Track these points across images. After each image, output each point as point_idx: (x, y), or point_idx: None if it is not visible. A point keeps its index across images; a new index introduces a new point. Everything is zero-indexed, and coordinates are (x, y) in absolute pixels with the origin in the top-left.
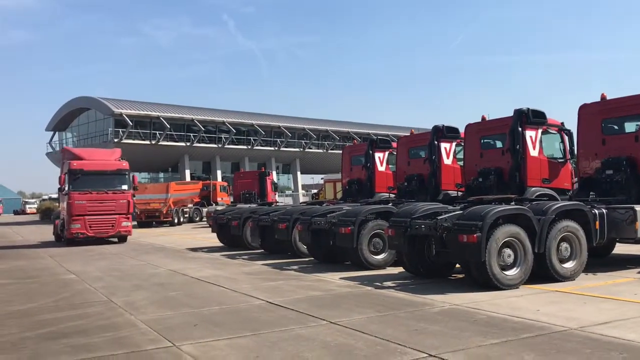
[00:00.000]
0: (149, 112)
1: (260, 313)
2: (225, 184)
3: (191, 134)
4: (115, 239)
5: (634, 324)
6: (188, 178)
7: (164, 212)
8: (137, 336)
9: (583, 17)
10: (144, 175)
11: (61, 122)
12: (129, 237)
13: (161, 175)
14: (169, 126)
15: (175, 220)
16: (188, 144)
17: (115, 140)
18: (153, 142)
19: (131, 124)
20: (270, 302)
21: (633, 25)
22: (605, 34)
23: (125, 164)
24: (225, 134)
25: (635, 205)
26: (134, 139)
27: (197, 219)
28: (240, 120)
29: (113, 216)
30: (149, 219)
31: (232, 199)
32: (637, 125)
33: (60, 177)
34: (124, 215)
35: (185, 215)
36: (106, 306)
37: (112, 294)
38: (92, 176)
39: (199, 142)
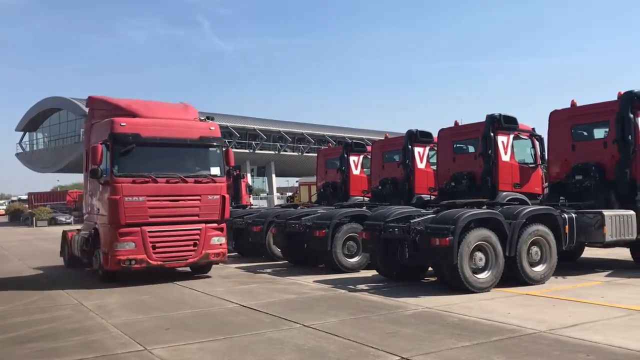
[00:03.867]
0: None
1: (233, 316)
2: None
3: None
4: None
5: (600, 326)
6: None
7: None
8: (108, 340)
9: (553, 23)
10: None
11: (32, 123)
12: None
13: None
14: None
15: None
16: None
17: None
18: None
19: None
20: (243, 306)
21: (602, 29)
22: (575, 39)
23: (214, 128)
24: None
25: (603, 210)
26: None
27: None
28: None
29: (196, 226)
30: None
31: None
32: (605, 131)
33: (91, 150)
34: (216, 224)
35: None
36: (76, 309)
37: (83, 298)
38: (156, 149)
39: None
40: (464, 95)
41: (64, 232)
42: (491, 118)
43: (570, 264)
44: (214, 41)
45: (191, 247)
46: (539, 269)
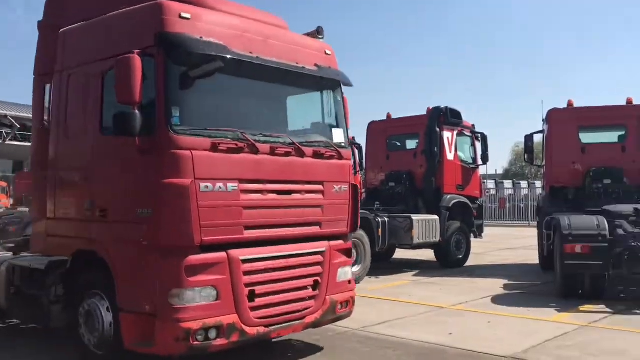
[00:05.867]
0: None
1: None
2: (5, 184)
3: None
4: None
5: (407, 322)
6: None
7: None
8: None
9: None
10: None
11: None
12: None
13: None
14: None
15: None
16: None
17: None
18: None
19: None
20: None
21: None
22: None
23: (330, 53)
24: (6, 129)
25: (412, 215)
26: None
27: None
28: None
29: (317, 246)
30: None
31: (12, 202)
32: (416, 143)
33: (117, 67)
34: (341, 242)
35: None
36: None
37: None
38: (246, 83)
39: None
40: None
41: None
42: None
43: (383, 264)
44: (27, 28)
45: (310, 292)
46: (355, 269)
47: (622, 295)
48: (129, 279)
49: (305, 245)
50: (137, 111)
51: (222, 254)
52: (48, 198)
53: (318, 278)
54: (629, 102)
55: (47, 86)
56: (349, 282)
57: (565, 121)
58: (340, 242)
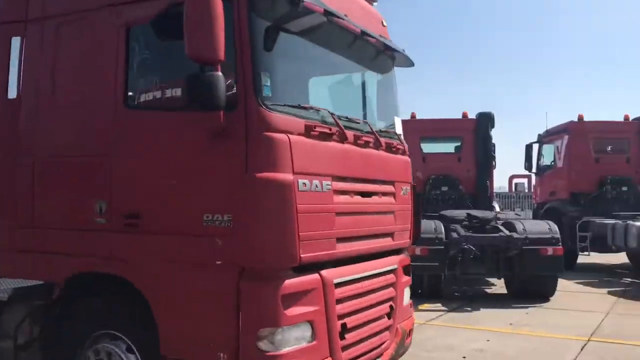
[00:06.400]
0: None
1: None
2: None
3: None
4: None
5: None
6: None
7: None
8: None
9: None
10: None
11: None
12: None
13: None
14: None
15: None
16: None
17: None
18: None
19: None
20: None
21: None
22: None
23: (386, 25)
24: None
25: None
26: None
27: None
28: None
29: (390, 262)
30: None
31: None
32: None
33: (190, 5)
34: (403, 256)
35: None
36: None
37: None
38: (324, 50)
39: None
40: None
41: None
42: None
43: None
44: None
45: (385, 322)
46: None
47: (456, 294)
48: (184, 315)
49: (378, 263)
50: (220, 73)
51: (316, 277)
52: (20, 197)
53: (392, 303)
54: (464, 115)
55: (15, 39)
56: (410, 305)
57: (407, 131)
58: (403, 256)
